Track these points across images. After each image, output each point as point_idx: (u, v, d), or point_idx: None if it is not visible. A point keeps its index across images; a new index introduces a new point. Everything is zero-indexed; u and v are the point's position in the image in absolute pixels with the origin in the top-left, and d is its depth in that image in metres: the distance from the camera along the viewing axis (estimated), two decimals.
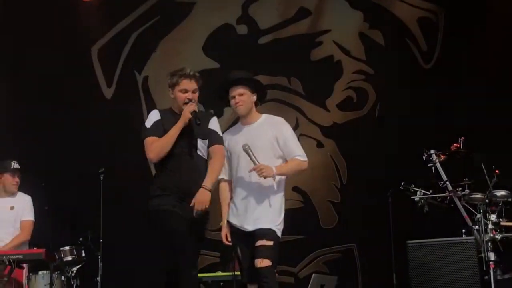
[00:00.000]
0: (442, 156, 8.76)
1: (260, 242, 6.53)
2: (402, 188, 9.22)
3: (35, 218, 8.90)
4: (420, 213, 9.13)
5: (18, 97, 10.92)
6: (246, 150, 6.61)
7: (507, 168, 9.11)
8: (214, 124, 6.78)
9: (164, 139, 6.51)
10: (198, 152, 6.62)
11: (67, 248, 9.16)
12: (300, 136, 11.20)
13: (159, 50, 11.46)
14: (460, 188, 8.69)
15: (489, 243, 8.21)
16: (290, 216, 10.76)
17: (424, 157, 8.85)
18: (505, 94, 10.53)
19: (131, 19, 11.42)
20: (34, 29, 10.95)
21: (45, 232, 9.26)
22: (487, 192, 8.43)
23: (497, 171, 8.72)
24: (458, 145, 8.75)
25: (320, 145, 11.35)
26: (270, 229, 6.58)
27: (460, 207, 8.51)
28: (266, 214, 6.63)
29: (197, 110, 6.61)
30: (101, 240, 9.48)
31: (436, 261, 8.02)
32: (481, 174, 8.76)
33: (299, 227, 10.88)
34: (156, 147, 6.52)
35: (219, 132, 6.77)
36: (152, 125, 6.65)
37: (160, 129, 6.60)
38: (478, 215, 8.32)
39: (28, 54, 10.95)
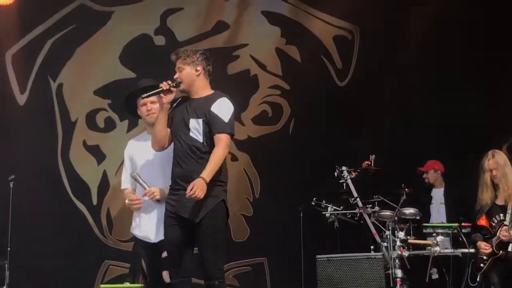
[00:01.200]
0: (353, 173, 8.90)
1: (165, 254, 6.42)
2: (313, 203, 9.32)
3: None
4: (331, 228, 9.24)
5: None
6: (135, 177, 6.52)
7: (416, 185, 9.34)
8: (217, 106, 6.35)
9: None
10: (191, 134, 6.27)
11: None
12: None
13: (74, 58, 11.33)
14: (370, 205, 8.83)
15: (397, 260, 8.35)
16: None
17: (336, 173, 8.97)
18: (416, 110, 10.78)
19: (47, 25, 11.25)
20: None
21: None
22: (396, 210, 8.58)
23: (406, 189, 8.89)
24: (369, 163, 8.90)
25: (234, 158, 11.36)
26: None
27: (370, 223, 8.65)
28: None
29: (163, 87, 6.32)
30: (9, 248, 9.32)
31: (344, 276, 8.10)
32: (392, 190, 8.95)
33: None
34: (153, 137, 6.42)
35: (223, 116, 6.31)
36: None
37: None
38: (387, 232, 8.46)
39: None
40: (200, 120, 6.25)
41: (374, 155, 8.86)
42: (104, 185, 11.17)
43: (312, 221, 9.85)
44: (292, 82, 11.51)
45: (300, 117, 11.45)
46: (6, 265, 9.27)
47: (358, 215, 8.96)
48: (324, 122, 11.12)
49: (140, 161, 6.69)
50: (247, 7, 11.62)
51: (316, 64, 11.52)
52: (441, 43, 10.94)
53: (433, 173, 10.17)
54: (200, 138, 6.23)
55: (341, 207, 9.13)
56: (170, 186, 6.35)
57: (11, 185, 9.56)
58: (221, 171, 6.26)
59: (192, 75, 6.43)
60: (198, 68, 6.47)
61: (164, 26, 11.46)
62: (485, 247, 7.81)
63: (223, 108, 6.33)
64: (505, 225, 7.76)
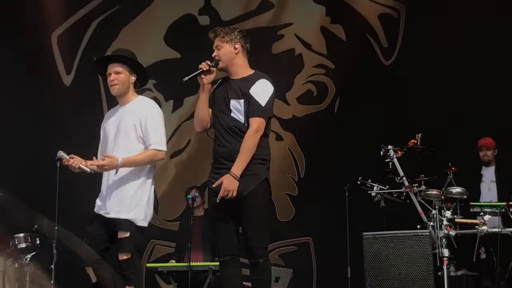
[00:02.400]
0: (399, 152, 8.82)
1: (119, 234, 6.40)
2: (359, 182, 9.27)
3: None
4: (377, 208, 9.19)
5: None
6: (60, 156, 6.52)
7: (463, 167, 9.22)
8: (255, 88, 6.22)
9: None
10: (233, 114, 6.18)
11: (21, 235, 9.08)
12: None
13: (120, 38, 11.38)
14: (417, 184, 8.75)
15: (444, 239, 8.27)
16: None
17: (381, 153, 8.90)
18: (465, 90, 10.64)
19: (92, 6, 11.35)
20: None
21: None
22: (443, 189, 8.50)
23: (453, 168, 8.80)
24: (416, 141, 8.81)
25: (279, 138, 11.36)
26: (127, 220, 6.40)
27: (416, 203, 8.57)
28: (123, 204, 6.44)
29: (203, 67, 6.26)
30: (56, 227, 9.40)
31: (391, 253, 8.06)
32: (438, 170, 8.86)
33: None
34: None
35: (261, 99, 6.17)
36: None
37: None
38: (433, 211, 8.38)
39: None
40: (242, 101, 6.18)
41: (420, 134, 8.77)
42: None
43: (357, 200, 9.80)
44: (337, 61, 11.45)
45: (345, 96, 11.39)
46: (54, 244, 9.35)
47: (404, 194, 8.88)
48: (369, 101, 11.03)
49: (107, 133, 6.72)
50: None
51: (361, 42, 11.43)
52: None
53: (493, 150, 10.03)
54: (241, 118, 6.17)
55: (387, 186, 9.07)
56: (212, 164, 6.32)
57: (58, 164, 9.63)
58: (262, 149, 6.22)
59: (231, 53, 6.35)
60: (237, 46, 6.37)
61: (209, 6, 11.48)
62: None
63: (262, 91, 6.23)
64: None
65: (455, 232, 8.36)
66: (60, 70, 11.35)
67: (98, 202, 6.62)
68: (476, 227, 8.45)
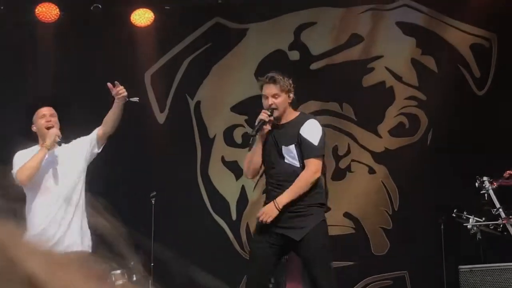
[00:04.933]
0: (494, 183, 8.69)
1: None
2: (454, 215, 9.15)
3: None
4: (473, 240, 9.05)
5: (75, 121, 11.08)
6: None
7: None
8: (306, 129, 6.37)
9: (249, 155, 6.59)
10: (287, 161, 6.28)
11: (118, 271, 9.22)
12: (352, 162, 11.22)
13: (211, 75, 11.55)
14: None
15: None
16: (342, 242, 10.90)
17: (476, 184, 8.78)
18: None
19: (184, 45, 11.54)
20: (89, 52, 11.17)
21: None
22: None
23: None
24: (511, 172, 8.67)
25: (371, 171, 11.30)
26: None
27: None
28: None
29: (265, 119, 6.35)
30: (152, 264, 9.54)
31: (488, 286, 7.93)
32: None
33: (350, 253, 10.86)
34: (245, 163, 6.69)
35: (313, 139, 6.30)
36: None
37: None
38: None
39: (82, 77, 11.16)
40: (292, 146, 6.24)
41: None
42: (242, 200, 11.32)
43: (453, 233, 9.67)
44: (429, 93, 11.35)
45: (438, 128, 11.27)
46: (150, 281, 9.47)
47: (501, 226, 8.74)
48: (463, 132, 10.89)
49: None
50: (381, 19, 11.56)
51: (453, 73, 11.31)
52: None
53: None
54: (297, 163, 6.24)
55: (483, 218, 8.93)
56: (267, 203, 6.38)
57: (153, 201, 9.80)
58: (319, 192, 6.24)
59: (286, 102, 6.50)
60: (291, 95, 6.54)
61: (298, 41, 11.54)
62: None
63: (312, 131, 6.34)
64: None
65: None
66: (153, 108, 11.56)
67: None
68: None
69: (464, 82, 11.34)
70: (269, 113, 6.39)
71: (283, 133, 6.34)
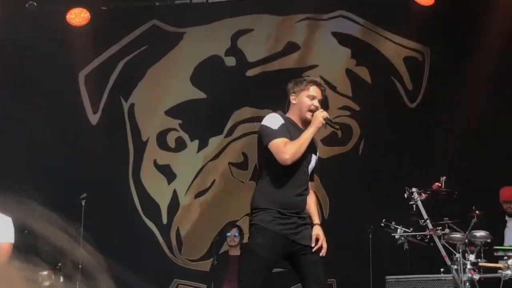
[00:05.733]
0: (423, 194, 8.81)
1: None
2: (383, 225, 9.25)
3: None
4: (400, 250, 9.16)
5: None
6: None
7: (487, 208, 9.19)
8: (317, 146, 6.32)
9: (299, 142, 5.97)
10: (310, 167, 6.14)
11: (45, 273, 9.11)
12: None
13: (146, 78, 11.50)
14: (440, 227, 8.73)
15: (467, 283, 8.23)
16: None
17: (406, 195, 8.89)
18: (488, 132, 10.64)
19: (120, 46, 11.48)
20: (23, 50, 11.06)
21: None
22: (467, 232, 8.47)
23: (477, 212, 8.77)
24: (440, 184, 8.80)
25: None
26: None
27: (440, 246, 8.54)
28: None
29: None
30: (80, 265, 9.45)
31: None
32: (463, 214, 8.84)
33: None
34: (291, 148, 5.92)
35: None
36: (280, 127, 6.05)
37: (286, 132, 6.05)
38: (457, 255, 8.35)
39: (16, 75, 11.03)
40: (314, 156, 6.20)
41: (445, 177, 8.76)
42: (174, 204, 11.30)
43: (381, 242, 9.77)
44: (362, 103, 11.48)
45: (370, 138, 11.40)
46: (77, 283, 9.38)
47: (428, 237, 8.86)
48: (394, 143, 11.03)
49: None
50: (317, 28, 11.66)
51: (386, 85, 11.45)
52: None
53: None
54: (309, 173, 6.19)
55: (411, 229, 9.04)
56: (284, 204, 6.16)
57: (83, 203, 9.72)
58: None
59: None
60: None
61: (235, 47, 11.56)
62: None
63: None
64: None
65: (478, 276, 8.32)
66: (86, 109, 11.47)
67: None
68: (499, 271, 8.41)
69: (396, 94, 11.49)
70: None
71: (313, 143, 6.20)
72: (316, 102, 6.16)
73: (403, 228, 9.10)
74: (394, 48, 11.54)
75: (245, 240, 10.42)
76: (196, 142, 11.38)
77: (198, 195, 11.36)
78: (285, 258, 6.22)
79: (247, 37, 11.59)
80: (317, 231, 6.30)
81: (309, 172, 6.15)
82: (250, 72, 11.56)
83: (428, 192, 8.82)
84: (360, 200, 10.89)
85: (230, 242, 10.13)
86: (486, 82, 10.80)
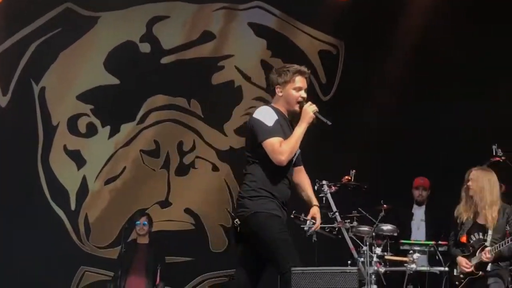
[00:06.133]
0: (333, 187, 8.88)
1: None
2: (292, 216, 9.29)
3: None
4: (309, 242, 9.22)
5: None
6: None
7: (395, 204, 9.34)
8: None
9: (293, 140, 6.09)
10: (295, 157, 6.25)
11: None
12: (196, 159, 11.23)
13: (58, 61, 11.29)
14: (349, 220, 8.82)
15: (373, 276, 8.35)
16: (180, 238, 10.91)
17: (315, 187, 8.95)
18: (399, 126, 10.79)
19: (31, 29, 11.23)
20: None
21: None
22: (374, 226, 8.58)
23: (385, 206, 8.90)
24: (349, 178, 8.90)
25: (215, 168, 11.36)
26: None
27: (348, 238, 8.63)
28: None
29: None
30: None
31: None
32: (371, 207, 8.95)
33: (188, 249, 10.89)
34: (286, 149, 6.03)
35: None
36: (274, 124, 6.10)
37: (280, 130, 6.12)
38: (364, 248, 8.45)
39: None
40: (299, 151, 6.29)
41: (354, 170, 8.86)
42: (83, 190, 11.14)
43: (291, 234, 9.80)
44: None
45: None
46: None
47: (336, 229, 8.95)
48: (307, 136, 11.07)
49: None
50: (234, 18, 11.63)
51: None
52: (429, 56, 10.92)
53: (428, 191, 10.16)
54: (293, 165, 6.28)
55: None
56: (278, 199, 6.25)
57: None
58: None
59: None
60: None
61: (150, 34, 11.44)
62: (466, 264, 7.82)
63: None
64: (486, 246, 7.77)
65: (384, 269, 8.45)
66: None
67: None
68: (405, 264, 8.55)
69: (310, 87, 11.48)
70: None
71: None
72: (303, 93, 6.22)
73: (312, 220, 9.16)
74: (309, 41, 11.60)
75: (154, 229, 10.38)
76: (108, 128, 11.24)
77: (108, 181, 11.23)
78: None
79: (163, 24, 11.48)
80: (315, 211, 6.49)
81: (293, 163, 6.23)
82: (165, 60, 11.46)
83: (338, 185, 8.90)
84: None
85: (139, 231, 10.07)
86: (399, 78, 10.95)
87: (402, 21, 11.04)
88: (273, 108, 6.23)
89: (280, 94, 6.25)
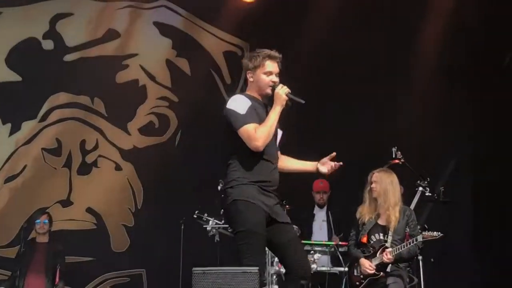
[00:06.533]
0: None
1: None
2: (195, 216, 9.33)
3: None
4: (212, 242, 9.26)
5: None
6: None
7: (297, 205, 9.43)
8: None
9: (268, 124, 6.01)
10: (277, 141, 6.26)
11: None
12: (99, 157, 11.14)
13: None
14: None
15: (274, 276, 8.41)
16: (82, 237, 10.80)
17: (219, 187, 8.99)
18: (304, 127, 10.91)
19: None
20: None
21: None
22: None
23: (287, 206, 8.98)
24: None
25: (118, 167, 11.29)
26: None
27: None
28: None
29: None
30: None
31: None
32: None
33: (90, 249, 10.79)
34: (261, 134, 5.97)
35: None
36: (247, 111, 6.02)
37: (255, 115, 6.05)
38: (266, 248, 8.51)
39: None
40: (281, 132, 6.29)
41: None
42: None
43: (193, 234, 9.84)
44: (181, 95, 11.51)
45: (187, 130, 11.46)
46: None
47: None
48: (210, 136, 11.12)
49: None
50: (139, 17, 11.58)
51: (205, 78, 11.55)
52: (333, 58, 11.07)
53: (328, 193, 10.28)
54: (277, 146, 6.28)
55: (223, 221, 9.15)
56: (266, 186, 6.14)
57: None
58: None
59: None
60: None
61: (53, 31, 11.29)
62: (369, 266, 7.93)
63: None
64: (387, 247, 7.92)
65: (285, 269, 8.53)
66: None
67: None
68: None
69: (215, 87, 11.60)
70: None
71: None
72: (274, 77, 6.19)
73: (215, 220, 9.21)
74: (215, 41, 11.65)
75: (55, 228, 10.25)
76: (9, 125, 11.04)
77: (8, 180, 11.03)
78: None
79: (67, 21, 11.35)
80: (323, 160, 6.44)
81: (277, 145, 6.25)
82: (68, 57, 11.32)
83: None
84: (175, 191, 10.94)
85: (39, 229, 9.92)
86: (302, 80, 11.02)
87: (305, 23, 11.15)
88: (246, 95, 6.22)
89: (251, 79, 6.23)
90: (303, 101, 6.20)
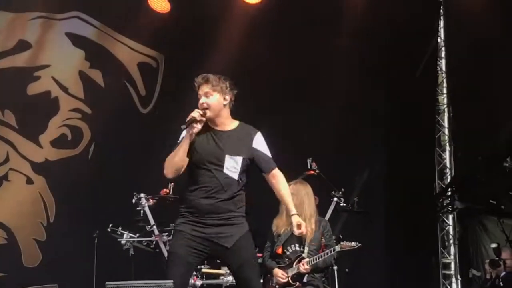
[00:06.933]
0: (151, 200, 8.88)
1: None
2: (109, 230, 9.22)
3: None
4: (126, 256, 9.16)
5: None
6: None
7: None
8: (258, 143, 6.26)
9: (172, 153, 6.03)
10: (225, 171, 6.04)
11: None
12: (9, 171, 10.92)
13: None
14: (167, 233, 8.82)
15: None
16: None
17: (134, 200, 8.92)
18: None
19: None
20: None
21: None
22: None
23: None
24: (168, 191, 8.92)
25: (29, 181, 11.07)
26: None
27: (165, 252, 8.64)
28: None
29: (197, 117, 6.01)
30: None
31: None
32: None
33: (1, 265, 10.55)
34: (166, 162, 6.06)
35: (267, 151, 6.26)
36: (180, 139, 6.14)
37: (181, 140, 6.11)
38: None
39: None
40: (240, 158, 6.10)
41: (173, 184, 8.88)
42: None
43: (107, 247, 9.71)
44: (94, 107, 11.38)
45: (100, 142, 11.33)
46: None
47: (154, 242, 8.94)
48: (125, 148, 11.03)
49: None
50: (50, 28, 11.39)
51: (119, 89, 11.46)
52: (250, 71, 11.10)
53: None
54: (235, 176, 6.08)
55: (137, 235, 9.08)
56: (190, 210, 6.11)
57: None
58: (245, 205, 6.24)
59: (220, 104, 6.22)
60: (227, 97, 6.26)
61: None
62: (282, 275, 7.99)
63: (264, 144, 6.29)
64: (304, 258, 7.96)
65: (201, 282, 8.50)
66: None
67: None
68: (221, 277, 8.63)
69: (129, 99, 11.52)
70: (201, 113, 6.07)
71: (228, 141, 6.11)
72: (202, 100, 6.15)
73: (129, 234, 9.12)
74: (129, 53, 11.56)
75: None
76: None
77: None
78: (211, 256, 6.45)
79: None
80: (297, 219, 6.24)
81: (233, 174, 6.07)
82: None
83: (156, 198, 8.91)
84: (88, 204, 10.79)
85: None
86: None
87: (219, 35, 11.18)
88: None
89: None
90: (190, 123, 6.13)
